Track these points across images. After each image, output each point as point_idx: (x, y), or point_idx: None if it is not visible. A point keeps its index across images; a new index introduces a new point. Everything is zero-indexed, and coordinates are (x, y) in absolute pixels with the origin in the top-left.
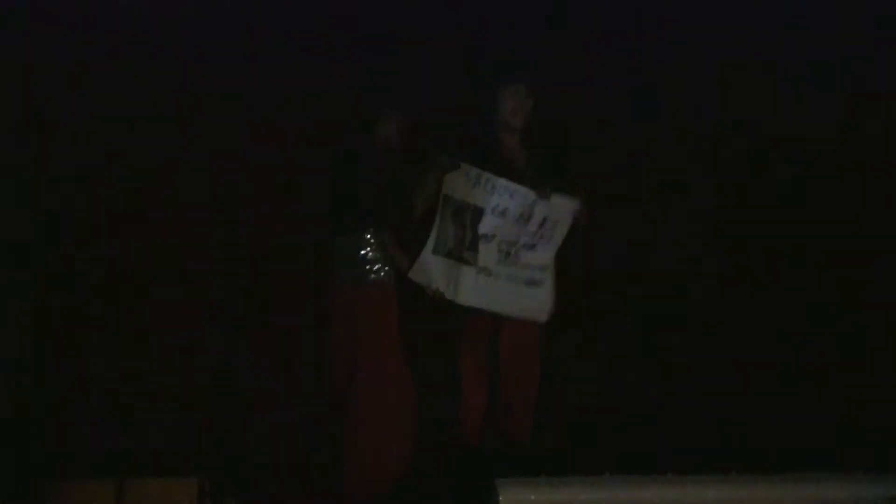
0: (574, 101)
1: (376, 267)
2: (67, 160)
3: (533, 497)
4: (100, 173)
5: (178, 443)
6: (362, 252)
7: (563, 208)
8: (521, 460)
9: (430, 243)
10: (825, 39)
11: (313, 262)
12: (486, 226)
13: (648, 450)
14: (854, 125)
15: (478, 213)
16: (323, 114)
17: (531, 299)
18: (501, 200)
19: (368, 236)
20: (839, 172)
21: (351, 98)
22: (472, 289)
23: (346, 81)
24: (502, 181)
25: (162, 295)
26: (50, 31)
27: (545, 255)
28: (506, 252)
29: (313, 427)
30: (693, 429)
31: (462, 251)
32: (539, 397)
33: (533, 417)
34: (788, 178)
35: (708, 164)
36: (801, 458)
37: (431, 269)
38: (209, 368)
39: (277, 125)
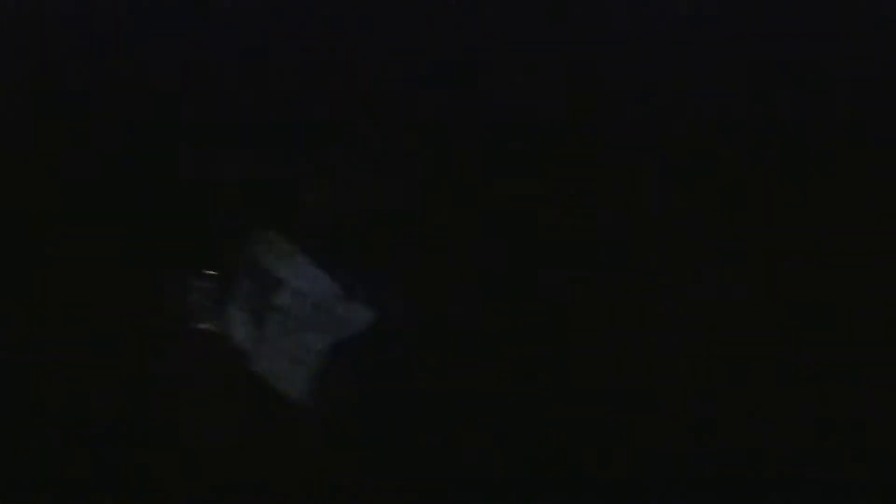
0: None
1: (200, 313)
2: None
3: None
4: None
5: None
6: (189, 295)
7: (359, 314)
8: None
9: (236, 298)
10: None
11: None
12: (281, 299)
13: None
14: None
15: (278, 285)
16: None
17: (295, 378)
18: (305, 285)
19: (196, 279)
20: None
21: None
22: (257, 353)
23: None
24: (312, 268)
25: None
26: None
27: (324, 343)
28: (290, 329)
29: None
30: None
31: (257, 315)
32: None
33: None
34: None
35: None
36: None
37: (235, 323)
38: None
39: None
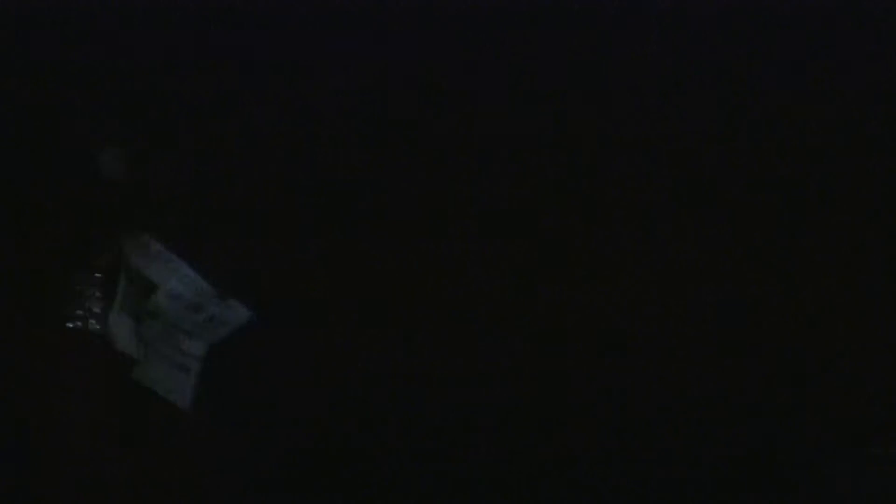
0: None
1: (79, 312)
2: None
3: None
4: None
5: None
6: (68, 293)
7: (236, 313)
8: None
9: (118, 301)
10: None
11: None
12: (155, 303)
13: None
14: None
15: (151, 288)
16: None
17: (178, 384)
18: (179, 286)
19: (75, 276)
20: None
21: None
22: (140, 360)
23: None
24: (186, 269)
25: None
26: None
27: (201, 346)
28: (166, 333)
29: None
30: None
31: (137, 319)
32: None
33: None
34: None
35: None
36: None
37: (118, 328)
38: None
39: None
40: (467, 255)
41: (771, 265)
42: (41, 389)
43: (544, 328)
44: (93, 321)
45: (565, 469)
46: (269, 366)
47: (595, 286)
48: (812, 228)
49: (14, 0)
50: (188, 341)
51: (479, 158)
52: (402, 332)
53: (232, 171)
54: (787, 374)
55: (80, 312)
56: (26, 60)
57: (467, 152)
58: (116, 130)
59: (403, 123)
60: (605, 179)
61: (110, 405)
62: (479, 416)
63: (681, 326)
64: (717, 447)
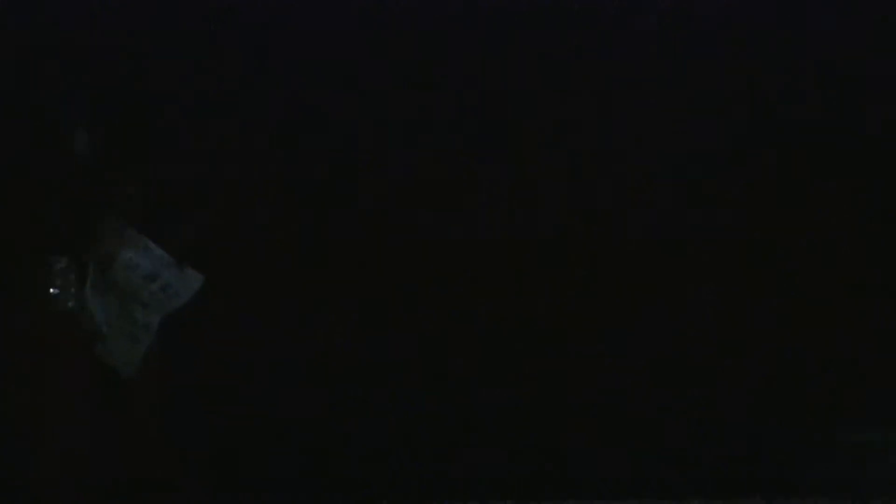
0: None
1: (61, 295)
2: None
3: None
4: None
5: None
6: (51, 275)
7: (190, 281)
8: None
9: (90, 279)
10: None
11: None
12: (113, 275)
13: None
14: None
15: (110, 260)
16: None
17: (127, 354)
18: (136, 257)
19: (58, 260)
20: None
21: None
22: (103, 331)
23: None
24: (144, 239)
25: None
26: None
27: (154, 317)
28: (121, 305)
29: None
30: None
31: (101, 292)
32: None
33: None
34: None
35: None
36: None
37: (91, 305)
38: None
39: None
40: (467, 255)
41: (771, 265)
42: (26, 374)
43: (544, 328)
44: (69, 300)
45: (565, 468)
46: (268, 365)
47: (595, 286)
48: (812, 228)
49: None
50: (144, 312)
51: (479, 158)
52: (401, 331)
53: (229, 168)
54: (786, 373)
55: (54, 291)
56: (12, 51)
57: (467, 152)
58: (89, 112)
59: (404, 123)
60: (604, 179)
61: (96, 386)
62: (479, 415)
63: (681, 326)
64: (716, 445)
